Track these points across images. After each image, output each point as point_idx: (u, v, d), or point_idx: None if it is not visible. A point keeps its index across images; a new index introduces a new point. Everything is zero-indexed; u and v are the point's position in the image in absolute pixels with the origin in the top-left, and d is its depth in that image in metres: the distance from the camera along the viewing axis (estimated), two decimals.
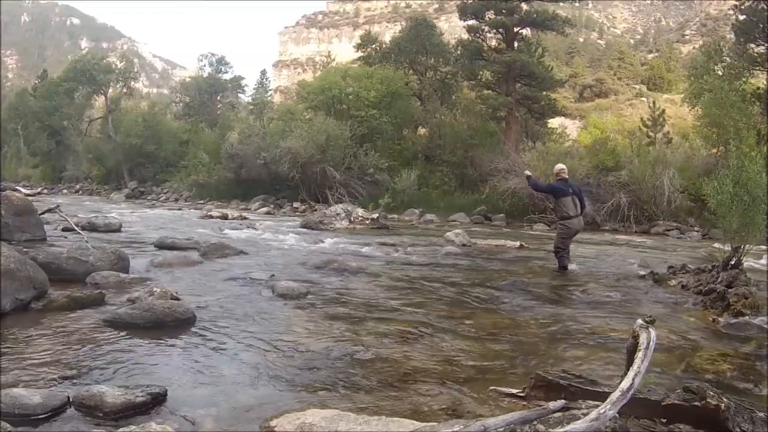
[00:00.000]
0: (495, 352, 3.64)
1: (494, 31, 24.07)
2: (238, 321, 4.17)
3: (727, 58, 19.38)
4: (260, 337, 3.77)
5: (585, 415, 2.01)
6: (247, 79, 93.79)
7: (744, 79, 18.28)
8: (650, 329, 2.35)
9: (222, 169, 24.96)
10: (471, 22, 24.43)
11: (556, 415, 2.13)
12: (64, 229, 8.73)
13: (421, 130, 26.40)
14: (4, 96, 54.04)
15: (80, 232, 8.12)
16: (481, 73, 24.41)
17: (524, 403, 2.45)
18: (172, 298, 4.47)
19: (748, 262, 6.29)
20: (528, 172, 8.66)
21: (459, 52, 25.24)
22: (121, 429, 2.20)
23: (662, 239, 13.34)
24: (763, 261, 7.76)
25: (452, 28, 61.37)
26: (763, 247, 6.81)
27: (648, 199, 15.76)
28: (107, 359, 3.20)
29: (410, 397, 2.83)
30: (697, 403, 2.14)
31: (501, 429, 1.95)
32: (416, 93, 26.68)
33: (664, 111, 29.82)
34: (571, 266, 7.26)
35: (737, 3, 19.54)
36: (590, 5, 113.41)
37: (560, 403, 2.22)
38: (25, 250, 5.29)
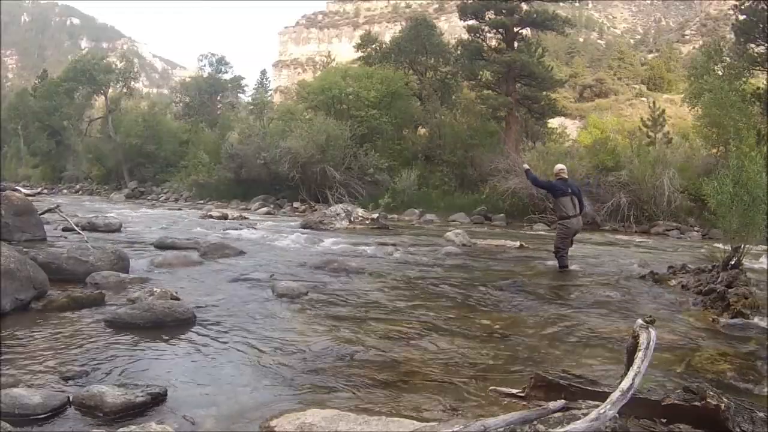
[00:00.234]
0: (495, 352, 3.64)
1: (494, 31, 24.03)
2: (238, 321, 4.17)
3: (727, 58, 19.35)
4: (260, 337, 3.77)
5: (585, 415, 2.01)
6: (247, 79, 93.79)
7: (744, 79, 18.26)
8: (650, 329, 2.35)
9: (222, 169, 24.93)
10: (471, 22, 24.41)
11: (556, 415, 2.13)
12: (64, 229, 8.73)
13: (421, 130, 26.35)
14: (4, 96, 54.00)
15: (80, 232, 8.12)
16: (481, 73, 24.38)
17: (524, 403, 2.45)
18: (172, 298, 4.48)
19: (748, 262, 6.29)
20: (527, 166, 8.61)
21: (459, 52, 25.20)
22: (121, 429, 2.20)
23: (662, 239, 13.33)
24: (763, 261, 7.75)
25: (452, 28, 61.34)
26: (763, 247, 6.80)
27: (648, 199, 15.74)
28: (107, 359, 3.20)
29: (410, 397, 2.83)
30: (697, 403, 2.14)
31: (501, 429, 1.95)
32: (416, 93, 26.65)
33: (664, 111, 29.87)
34: (572, 266, 7.27)
35: (737, 3, 19.52)
36: (590, 5, 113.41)
37: (560, 403, 2.22)
38: (25, 250, 5.29)
